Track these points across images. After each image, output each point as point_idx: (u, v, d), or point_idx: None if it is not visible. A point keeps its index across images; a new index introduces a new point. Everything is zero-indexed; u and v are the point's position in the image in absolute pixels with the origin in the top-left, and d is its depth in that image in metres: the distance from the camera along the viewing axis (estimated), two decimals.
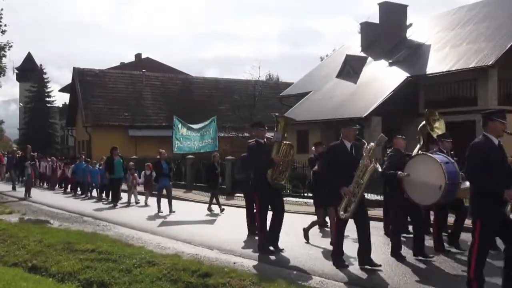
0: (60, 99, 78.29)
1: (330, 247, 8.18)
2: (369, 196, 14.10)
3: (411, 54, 25.17)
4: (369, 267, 7.29)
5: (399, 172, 7.74)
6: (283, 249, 8.67)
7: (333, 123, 23.99)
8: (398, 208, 8.15)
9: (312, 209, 12.36)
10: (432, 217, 8.92)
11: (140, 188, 18.39)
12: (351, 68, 27.92)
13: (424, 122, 9.36)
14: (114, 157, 17.25)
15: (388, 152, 9.05)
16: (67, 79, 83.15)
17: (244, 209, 11.22)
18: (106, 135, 34.60)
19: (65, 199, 19.63)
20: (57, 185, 24.81)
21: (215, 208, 15.07)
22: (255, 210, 9.37)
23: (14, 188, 22.49)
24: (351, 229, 7.77)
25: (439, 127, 9.33)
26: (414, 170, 7.59)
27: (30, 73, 68.44)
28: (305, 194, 17.73)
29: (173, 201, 15.24)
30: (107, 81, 38.79)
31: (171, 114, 38.91)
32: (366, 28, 30.71)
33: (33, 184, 22.16)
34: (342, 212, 7.23)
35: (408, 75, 23.19)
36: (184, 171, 24.02)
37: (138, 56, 53.77)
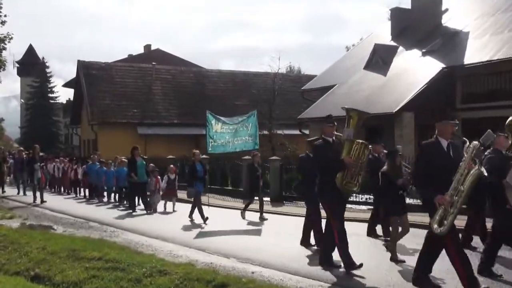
0: (63, 94, 79.26)
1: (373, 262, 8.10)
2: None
3: (446, 43, 24.87)
4: None
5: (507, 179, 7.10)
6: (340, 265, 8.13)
7: None
8: (502, 220, 7.47)
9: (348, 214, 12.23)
10: None
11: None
12: (380, 59, 27.69)
13: None
14: (136, 158, 16.67)
15: (486, 153, 8.09)
16: (71, 73, 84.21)
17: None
18: (113, 133, 34.91)
19: (79, 205, 19.37)
20: (68, 189, 24.20)
21: (250, 216, 14.57)
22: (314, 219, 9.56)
23: (19, 192, 22.39)
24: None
25: None
26: None
27: (32, 67, 69.32)
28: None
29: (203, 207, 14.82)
30: (114, 75, 39.10)
31: (183, 110, 39.60)
32: (397, 14, 30.42)
33: (44, 187, 21.92)
34: (436, 226, 6.34)
35: (444, 66, 22.92)
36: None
37: (147, 47, 54.08)
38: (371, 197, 16.62)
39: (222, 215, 15.50)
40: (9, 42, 25.62)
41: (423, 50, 25.48)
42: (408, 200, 10.27)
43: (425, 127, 21.36)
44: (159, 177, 17.54)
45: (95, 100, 36.86)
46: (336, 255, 8.18)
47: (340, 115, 22.52)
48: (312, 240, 10.07)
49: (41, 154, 21.22)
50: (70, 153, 46.48)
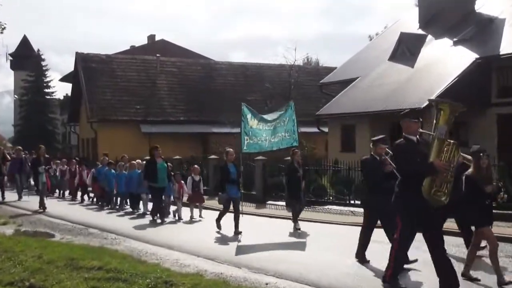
0: (61, 90, 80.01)
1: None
2: None
3: (480, 31, 24.67)
4: None
5: None
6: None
7: (385, 115, 23.68)
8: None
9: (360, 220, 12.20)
10: None
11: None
12: (406, 49, 27.55)
13: None
14: (156, 159, 15.74)
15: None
16: (69, 66, 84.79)
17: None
18: (115, 131, 35.11)
19: (78, 211, 19.27)
20: (74, 195, 23.32)
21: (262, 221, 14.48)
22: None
23: (20, 197, 21.62)
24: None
25: None
26: None
27: (26, 60, 69.80)
28: (351, 202, 17.62)
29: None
30: (115, 68, 39.33)
31: (190, 106, 39.72)
32: (425, 0, 30.23)
33: (50, 193, 21.25)
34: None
35: (477, 56, 22.75)
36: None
37: (151, 38, 54.33)
38: None
39: (228, 219, 15.48)
40: (1, 32, 25.73)
41: (454, 39, 25.30)
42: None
43: (456, 124, 21.22)
44: (182, 181, 16.89)
45: (95, 96, 37.09)
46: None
47: (360, 111, 22.19)
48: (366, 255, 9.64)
49: (47, 155, 19.91)
50: (68, 153, 46.78)
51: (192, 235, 13.33)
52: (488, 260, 8.34)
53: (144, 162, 17.89)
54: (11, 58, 78.35)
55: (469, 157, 8.81)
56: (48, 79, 63.69)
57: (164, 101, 38.41)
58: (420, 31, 28.84)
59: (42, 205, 18.15)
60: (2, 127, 78.52)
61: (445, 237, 7.41)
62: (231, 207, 13.49)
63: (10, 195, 22.36)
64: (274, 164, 21.85)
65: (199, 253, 10.53)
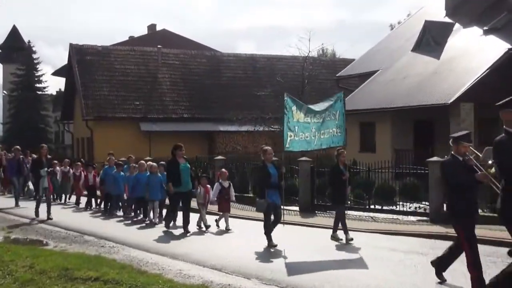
0: (53, 84, 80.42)
1: None
2: None
3: None
4: None
5: None
6: None
7: (408, 112, 23.64)
8: None
9: (386, 226, 12.24)
10: None
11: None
12: (432, 39, 27.45)
13: None
14: (179, 159, 14.89)
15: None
16: (62, 59, 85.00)
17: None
18: (112, 130, 35.24)
19: (72, 216, 19.14)
20: (78, 200, 22.62)
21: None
22: None
23: (16, 203, 20.93)
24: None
25: None
26: None
27: (16, 52, 70.22)
28: (371, 207, 17.57)
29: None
30: (112, 61, 39.48)
31: (194, 102, 39.80)
32: None
33: (52, 199, 20.58)
34: None
35: (510, 46, 22.63)
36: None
37: (151, 27, 54.47)
38: (421, 205, 16.56)
39: (243, 227, 15.49)
40: None
41: (485, 28, 25.16)
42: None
43: (487, 121, 21.16)
44: (208, 186, 15.97)
45: (90, 91, 37.25)
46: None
47: (380, 108, 22.07)
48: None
49: (49, 156, 18.61)
50: (61, 154, 46.93)
51: (198, 243, 13.33)
52: None
53: (149, 162, 17.70)
54: (0, 51, 78.68)
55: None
56: (39, 73, 64.15)
57: (165, 97, 38.52)
58: (447, 19, 28.72)
59: (49, 212, 17.32)
60: None
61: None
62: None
63: (5, 201, 22.20)
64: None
65: (205, 263, 10.52)
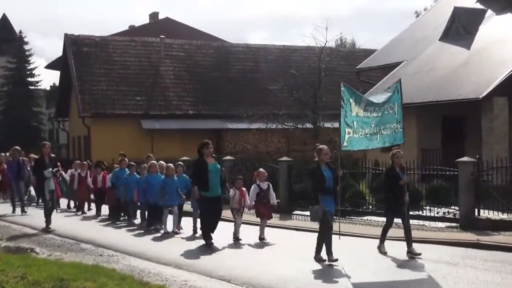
0: (47, 78, 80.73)
1: None
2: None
3: None
4: None
5: None
6: None
7: (436, 107, 23.54)
8: None
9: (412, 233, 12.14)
10: None
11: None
12: (461, 27, 27.33)
13: None
14: (207, 159, 14.02)
15: None
16: (57, 50, 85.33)
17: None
18: (111, 128, 35.31)
19: (67, 222, 18.66)
20: (82, 205, 21.98)
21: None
22: None
23: (15, 209, 20.61)
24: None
25: None
26: None
27: (6, 43, 70.38)
28: (424, 214, 17.43)
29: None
30: (111, 53, 39.57)
31: (201, 97, 39.79)
32: None
33: (58, 205, 19.21)
34: None
35: None
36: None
37: (153, 16, 54.57)
38: (450, 210, 16.47)
39: (255, 234, 15.48)
40: None
41: None
42: None
43: None
44: (244, 189, 15.00)
45: (88, 86, 37.34)
46: None
47: (405, 103, 22.04)
48: None
49: (52, 155, 17.80)
50: (56, 154, 47.01)
51: (202, 250, 13.32)
52: None
53: (161, 162, 17.34)
54: None
55: None
56: (32, 66, 64.33)
57: (169, 92, 38.55)
58: (478, 5, 28.58)
59: (48, 220, 16.70)
60: None
61: None
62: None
63: (2, 207, 21.86)
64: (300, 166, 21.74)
65: (212, 273, 10.52)
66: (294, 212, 19.62)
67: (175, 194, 15.97)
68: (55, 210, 17.90)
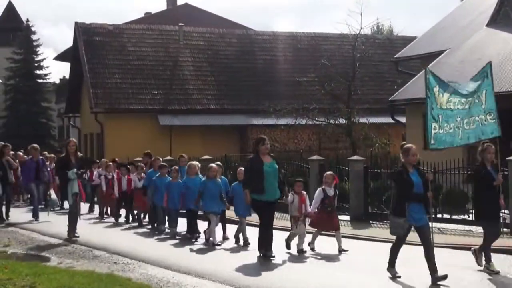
0: (56, 71, 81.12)
1: None
2: None
3: None
4: None
5: None
6: None
7: None
8: None
9: (457, 239, 12.05)
10: None
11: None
12: (511, 11, 27.06)
13: None
14: (262, 157, 13.23)
15: None
16: (67, 41, 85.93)
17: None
18: (126, 125, 35.48)
19: (96, 231, 17.67)
20: (111, 211, 21.46)
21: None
22: None
23: (36, 216, 20.04)
24: None
25: None
26: None
27: (12, 33, 70.88)
28: (438, 216, 17.35)
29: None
30: (125, 42, 39.75)
31: (223, 91, 39.79)
32: None
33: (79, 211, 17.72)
34: None
35: None
36: None
37: (171, 2, 54.70)
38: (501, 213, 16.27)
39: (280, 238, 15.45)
40: None
41: None
42: None
43: None
44: (304, 192, 14.35)
45: (100, 78, 37.55)
46: None
47: None
48: None
49: (79, 154, 17.24)
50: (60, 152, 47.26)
51: (231, 258, 13.38)
52: None
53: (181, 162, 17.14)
54: None
55: None
56: (40, 57, 64.73)
57: (189, 85, 38.63)
58: None
59: (72, 228, 16.18)
60: None
61: None
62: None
63: (18, 213, 21.73)
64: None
65: (238, 283, 10.52)
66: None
67: (217, 199, 15.18)
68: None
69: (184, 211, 16.46)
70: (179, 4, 53.48)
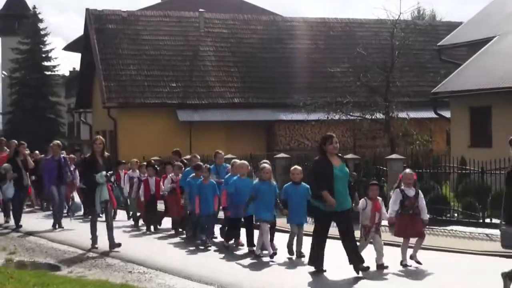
0: (66, 62, 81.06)
1: None
2: None
3: None
4: None
5: None
6: None
7: None
8: None
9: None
10: None
11: None
12: None
13: None
14: (331, 158, 12.39)
15: None
16: (77, 29, 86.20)
17: None
18: (141, 120, 35.57)
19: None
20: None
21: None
22: None
23: (57, 225, 19.45)
24: None
25: None
26: None
27: (18, 21, 71.30)
28: (486, 220, 17.26)
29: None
30: (140, 30, 39.87)
31: (248, 83, 39.68)
32: None
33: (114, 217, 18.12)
34: None
35: None
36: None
37: None
38: None
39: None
40: None
41: None
42: None
43: None
44: (379, 198, 13.45)
45: (113, 70, 37.71)
46: None
47: (498, 87, 21.69)
48: None
49: (106, 154, 16.33)
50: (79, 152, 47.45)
51: (259, 265, 13.38)
52: None
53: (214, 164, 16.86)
54: None
55: None
56: (48, 47, 65.04)
57: (210, 76, 38.64)
58: None
59: (112, 241, 15.49)
60: None
61: None
62: None
63: (39, 222, 21.29)
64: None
65: None
66: None
67: (270, 205, 14.52)
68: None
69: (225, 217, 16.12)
70: None
